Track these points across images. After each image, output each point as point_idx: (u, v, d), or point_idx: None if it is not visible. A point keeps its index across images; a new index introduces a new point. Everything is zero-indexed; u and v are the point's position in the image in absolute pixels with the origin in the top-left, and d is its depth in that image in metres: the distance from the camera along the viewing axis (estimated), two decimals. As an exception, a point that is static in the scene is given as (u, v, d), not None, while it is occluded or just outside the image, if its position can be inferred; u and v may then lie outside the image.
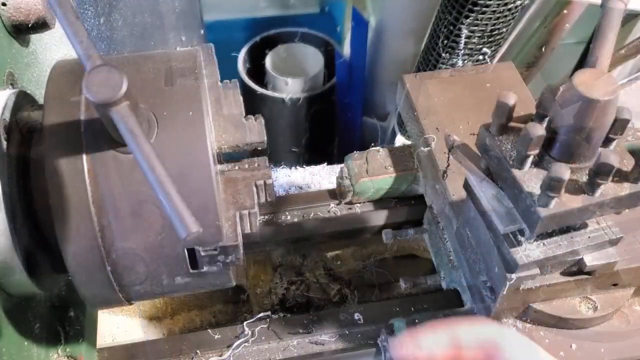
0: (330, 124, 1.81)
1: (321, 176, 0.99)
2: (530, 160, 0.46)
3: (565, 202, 0.45)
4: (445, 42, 1.13)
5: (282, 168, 1.01)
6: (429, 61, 1.21)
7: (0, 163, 0.48)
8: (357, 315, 0.72)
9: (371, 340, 0.72)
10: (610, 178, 0.45)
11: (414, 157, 0.80)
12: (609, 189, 0.46)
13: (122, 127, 0.36)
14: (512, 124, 0.49)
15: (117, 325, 0.79)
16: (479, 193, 0.53)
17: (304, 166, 1.02)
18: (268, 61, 1.77)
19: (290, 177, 0.99)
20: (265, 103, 1.69)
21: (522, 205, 0.47)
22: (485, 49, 1.13)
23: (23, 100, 0.54)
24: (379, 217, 0.81)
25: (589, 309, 0.61)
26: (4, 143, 0.49)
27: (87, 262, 0.45)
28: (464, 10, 1.05)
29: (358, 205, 0.83)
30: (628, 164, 0.48)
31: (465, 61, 1.15)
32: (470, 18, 1.05)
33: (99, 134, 0.44)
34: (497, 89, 0.78)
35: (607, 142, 0.47)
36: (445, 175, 0.69)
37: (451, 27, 1.09)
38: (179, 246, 0.46)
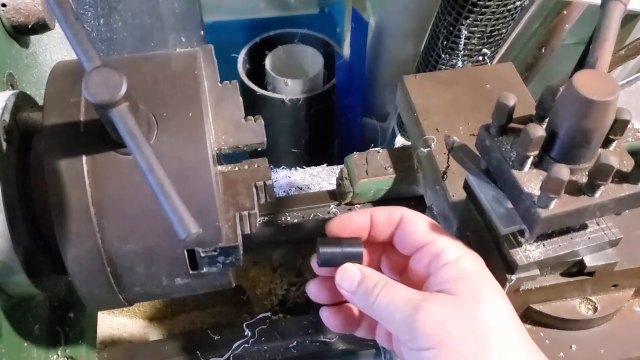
0: (330, 125, 1.81)
1: (321, 177, 0.99)
2: (530, 161, 0.46)
3: (565, 203, 0.45)
4: (445, 43, 1.13)
5: (282, 169, 1.01)
6: (428, 62, 1.21)
7: (0, 164, 0.48)
8: (357, 316, 0.72)
9: (371, 341, 0.72)
10: (610, 179, 0.45)
11: (414, 158, 0.80)
12: (609, 190, 0.46)
13: (122, 128, 0.36)
14: (511, 124, 0.49)
15: (117, 327, 0.79)
16: (478, 194, 0.53)
17: (304, 167, 1.02)
18: (268, 62, 1.77)
19: (290, 178, 0.99)
20: (265, 104, 1.69)
21: (522, 206, 0.47)
22: (485, 50, 1.13)
23: (23, 101, 0.54)
24: (379, 218, 0.81)
25: (589, 310, 0.61)
26: (4, 144, 0.49)
27: (87, 263, 0.45)
28: (463, 11, 1.05)
29: (358, 206, 0.83)
30: (628, 164, 0.48)
31: (465, 62, 1.15)
32: (470, 19, 1.05)
33: (99, 135, 0.44)
34: (497, 90, 0.78)
35: (607, 142, 0.47)
36: (445, 176, 0.69)
37: (451, 28, 1.09)
38: (178, 247, 0.46)
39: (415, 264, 0.51)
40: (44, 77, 0.57)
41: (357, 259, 0.51)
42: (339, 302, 0.56)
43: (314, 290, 0.54)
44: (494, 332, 0.44)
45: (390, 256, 0.55)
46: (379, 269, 0.54)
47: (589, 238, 0.54)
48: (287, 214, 0.84)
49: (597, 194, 0.46)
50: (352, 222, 0.52)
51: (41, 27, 0.62)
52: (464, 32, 1.08)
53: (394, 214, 0.52)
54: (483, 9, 1.03)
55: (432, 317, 0.44)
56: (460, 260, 0.48)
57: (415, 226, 0.51)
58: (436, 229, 0.51)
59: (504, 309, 0.46)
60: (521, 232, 0.52)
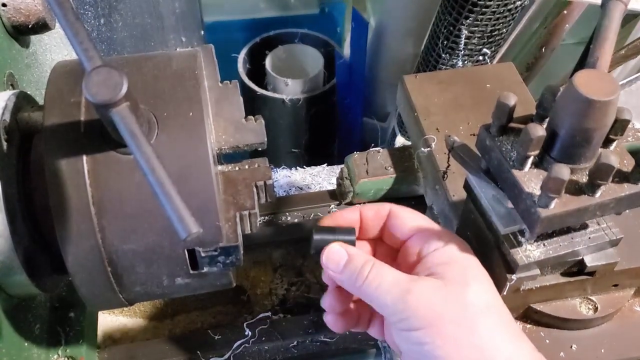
0: (330, 125, 1.81)
1: (321, 177, 0.99)
2: (530, 160, 0.46)
3: (566, 203, 0.45)
4: (445, 42, 1.13)
5: (283, 169, 1.01)
6: (429, 62, 1.21)
7: (0, 164, 0.48)
8: (357, 316, 0.72)
9: (371, 341, 0.72)
10: (611, 179, 0.44)
11: (414, 158, 0.80)
12: (609, 190, 0.46)
13: (122, 128, 0.36)
14: (512, 124, 0.49)
15: (117, 327, 0.79)
16: (479, 193, 0.53)
17: (304, 167, 1.03)
18: (268, 62, 1.77)
19: (290, 178, 0.99)
20: (266, 104, 1.69)
21: (522, 205, 0.47)
22: (485, 50, 1.13)
23: (23, 101, 0.54)
24: (379, 218, 0.81)
25: (590, 310, 0.61)
26: (4, 144, 0.49)
27: (87, 262, 0.45)
28: (463, 11, 1.05)
29: (358, 206, 0.83)
30: (628, 164, 0.48)
31: (465, 62, 1.15)
32: (470, 19, 1.05)
33: (99, 135, 0.44)
34: (497, 90, 0.78)
35: (607, 142, 0.47)
36: (446, 175, 0.69)
37: (451, 28, 1.09)
38: (179, 247, 0.46)
39: (405, 252, 0.52)
40: (45, 77, 0.57)
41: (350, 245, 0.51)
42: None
43: (329, 302, 0.54)
44: (480, 314, 0.46)
45: (381, 252, 0.56)
46: None
47: (589, 238, 0.54)
48: (287, 213, 0.84)
49: (598, 194, 0.46)
50: (342, 219, 0.54)
51: (41, 26, 0.62)
52: (464, 32, 1.08)
53: (381, 209, 0.54)
54: (483, 9, 1.03)
55: (423, 299, 0.46)
56: (449, 246, 0.49)
57: (404, 217, 0.52)
58: (423, 219, 0.53)
59: (490, 293, 0.48)
60: (521, 232, 0.52)
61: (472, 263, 0.49)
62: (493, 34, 1.09)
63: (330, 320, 0.55)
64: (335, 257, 0.50)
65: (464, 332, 0.45)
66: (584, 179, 0.46)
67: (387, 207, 0.53)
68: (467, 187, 0.55)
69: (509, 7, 1.04)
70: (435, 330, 0.45)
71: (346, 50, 1.78)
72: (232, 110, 0.52)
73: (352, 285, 0.49)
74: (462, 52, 1.12)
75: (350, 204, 0.83)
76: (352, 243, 0.52)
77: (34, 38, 0.67)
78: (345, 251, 0.50)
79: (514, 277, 0.53)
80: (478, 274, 0.48)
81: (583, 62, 0.87)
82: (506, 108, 0.47)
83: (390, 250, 0.54)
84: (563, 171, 0.42)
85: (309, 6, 1.94)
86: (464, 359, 0.44)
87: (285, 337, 0.72)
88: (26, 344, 0.57)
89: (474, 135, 0.60)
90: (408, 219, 0.52)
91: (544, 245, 0.53)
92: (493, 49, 1.14)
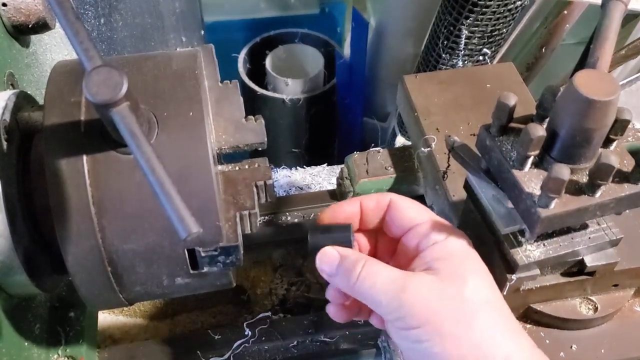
0: (330, 125, 1.81)
1: (321, 177, 0.99)
2: (530, 160, 0.46)
3: (566, 203, 0.45)
4: (446, 42, 1.13)
5: (283, 169, 1.01)
6: (429, 62, 1.21)
7: (0, 164, 0.48)
8: (357, 316, 0.72)
9: (371, 341, 0.72)
10: (611, 179, 0.44)
11: (414, 158, 0.80)
12: (609, 190, 0.46)
13: (123, 128, 0.36)
14: (512, 124, 0.49)
15: (117, 326, 0.79)
16: (479, 193, 0.53)
17: (305, 167, 1.03)
18: (268, 62, 1.77)
19: (290, 178, 0.99)
20: (266, 104, 1.69)
21: (522, 205, 0.47)
22: (485, 50, 1.13)
23: (23, 101, 0.54)
24: (379, 218, 0.81)
25: (589, 310, 0.61)
26: (4, 144, 0.49)
27: (88, 262, 0.45)
28: (464, 11, 1.05)
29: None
30: (628, 164, 0.48)
31: (466, 62, 1.15)
32: (471, 19, 1.05)
33: (100, 135, 0.44)
34: (497, 90, 0.78)
35: (607, 142, 0.47)
36: (446, 176, 0.69)
37: (451, 28, 1.09)
38: (179, 247, 0.46)
39: (405, 245, 0.52)
40: (45, 77, 0.57)
41: (346, 244, 0.51)
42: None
43: (334, 293, 0.54)
44: (479, 310, 0.45)
45: (382, 242, 0.55)
46: (375, 256, 0.55)
47: (589, 238, 0.54)
48: (287, 213, 0.84)
49: (598, 194, 0.46)
50: (342, 211, 0.53)
51: (42, 26, 0.62)
52: (465, 32, 1.08)
53: (382, 199, 0.53)
54: (483, 9, 1.03)
55: (418, 296, 0.45)
56: (448, 240, 0.48)
57: (403, 209, 0.52)
58: (424, 210, 0.52)
59: (488, 288, 0.47)
60: (521, 232, 0.52)
61: (471, 257, 0.48)
62: (493, 34, 1.09)
63: (333, 310, 0.54)
64: (329, 259, 0.50)
65: (463, 328, 0.44)
66: (584, 179, 0.46)
67: (387, 197, 0.53)
68: (467, 187, 0.55)
69: (509, 7, 1.04)
70: (433, 327, 0.44)
71: (346, 50, 1.78)
72: (232, 110, 0.52)
73: (346, 284, 0.49)
74: (462, 52, 1.12)
75: (351, 204, 0.83)
76: (349, 240, 0.51)
77: (34, 38, 0.67)
78: (337, 252, 0.50)
79: (514, 277, 0.53)
80: (477, 269, 0.48)
81: (583, 62, 0.87)
82: (506, 108, 0.47)
83: (391, 241, 0.54)
84: (563, 171, 0.42)
85: (309, 6, 1.94)
86: (463, 356, 0.44)
87: (285, 337, 0.72)
88: (26, 344, 0.57)
89: (474, 135, 0.60)
90: (408, 211, 0.51)
91: (544, 245, 0.53)
92: (493, 49, 1.14)
